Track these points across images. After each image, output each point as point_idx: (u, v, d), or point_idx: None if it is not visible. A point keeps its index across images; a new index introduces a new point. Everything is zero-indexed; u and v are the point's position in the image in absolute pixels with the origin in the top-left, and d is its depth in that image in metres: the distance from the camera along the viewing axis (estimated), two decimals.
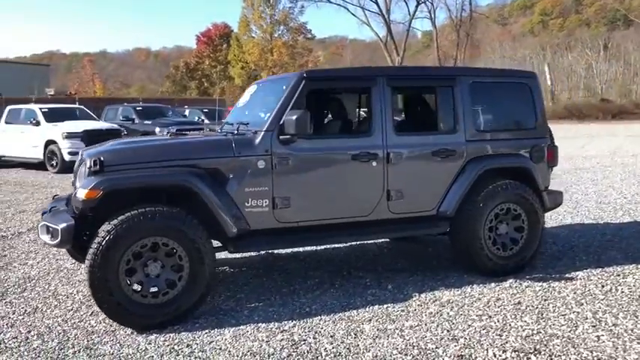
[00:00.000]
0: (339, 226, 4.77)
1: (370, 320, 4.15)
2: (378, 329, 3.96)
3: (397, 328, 3.97)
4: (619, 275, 5.10)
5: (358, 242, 6.07)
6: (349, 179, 4.72)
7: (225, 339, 3.88)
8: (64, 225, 4.08)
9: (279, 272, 5.40)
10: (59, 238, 4.09)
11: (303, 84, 4.62)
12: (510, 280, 5.01)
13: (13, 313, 4.46)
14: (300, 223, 4.63)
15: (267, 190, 4.48)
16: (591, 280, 4.98)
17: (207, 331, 4.02)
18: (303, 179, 4.60)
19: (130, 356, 3.63)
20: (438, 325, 4.00)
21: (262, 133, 4.51)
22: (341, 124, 5.26)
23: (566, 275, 5.12)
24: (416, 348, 3.64)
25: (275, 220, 4.52)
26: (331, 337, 3.85)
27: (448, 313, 4.24)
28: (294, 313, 4.36)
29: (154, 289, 4.07)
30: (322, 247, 6.19)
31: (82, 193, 4.01)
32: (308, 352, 3.63)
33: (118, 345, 3.80)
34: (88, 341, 3.87)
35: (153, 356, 3.63)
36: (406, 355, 3.55)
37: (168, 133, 5.06)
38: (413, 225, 5.01)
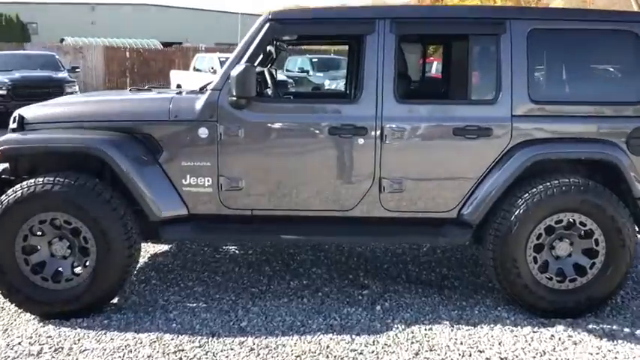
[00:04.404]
0: (309, 221, 3.62)
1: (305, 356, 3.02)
2: None
3: None
4: None
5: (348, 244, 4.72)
6: (323, 160, 3.52)
7: (107, 346, 3.11)
8: None
9: (264, 264, 4.40)
10: None
11: (267, 28, 3.48)
12: (561, 327, 3.38)
13: None
14: (255, 212, 3.59)
15: (211, 166, 3.51)
16: None
17: (101, 331, 3.30)
18: (259, 156, 3.53)
19: None
20: None
21: (208, 92, 3.52)
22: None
23: None
24: None
25: (221, 205, 3.55)
26: None
27: None
28: (227, 324, 3.41)
29: (56, 274, 3.44)
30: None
31: None
32: None
33: None
34: None
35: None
36: None
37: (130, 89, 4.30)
38: (416, 230, 3.60)
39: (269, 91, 4.06)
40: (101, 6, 38.39)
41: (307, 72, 17.94)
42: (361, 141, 3.47)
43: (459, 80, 3.90)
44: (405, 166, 3.50)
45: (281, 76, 16.21)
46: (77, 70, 16.02)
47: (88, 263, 3.42)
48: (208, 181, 3.52)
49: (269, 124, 3.50)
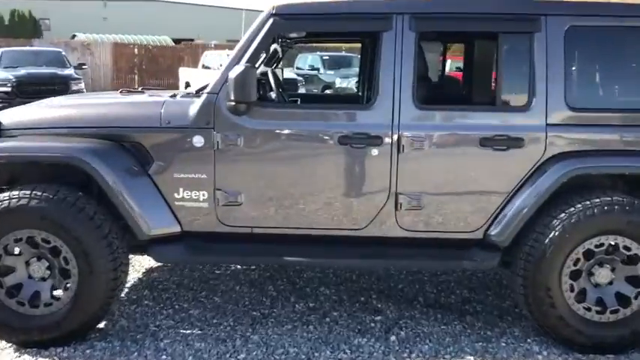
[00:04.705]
0: (315, 241, 3.23)
1: None
2: None
3: None
4: None
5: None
6: (332, 173, 3.13)
7: None
8: None
9: (267, 282, 4.02)
10: None
11: (270, 25, 3.10)
12: None
13: None
14: (256, 230, 3.21)
15: (207, 178, 3.13)
16: None
17: None
18: (260, 168, 3.15)
19: None
20: None
21: (204, 96, 3.14)
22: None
23: None
24: None
25: (218, 222, 3.18)
26: None
27: None
28: (223, 356, 3.04)
29: (34, 297, 3.08)
30: None
31: None
32: None
33: None
34: None
35: None
36: None
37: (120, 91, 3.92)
38: (437, 253, 3.20)
39: (273, 95, 3.68)
40: (113, 2, 38.17)
41: (318, 70, 17.56)
42: (375, 151, 3.07)
43: (484, 83, 3.52)
44: (424, 180, 3.11)
45: (290, 74, 15.86)
46: (84, 66, 15.78)
47: (69, 286, 3.06)
48: (204, 195, 3.15)
49: (272, 132, 3.12)
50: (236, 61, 3.08)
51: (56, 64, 14.31)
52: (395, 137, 3.06)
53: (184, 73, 17.94)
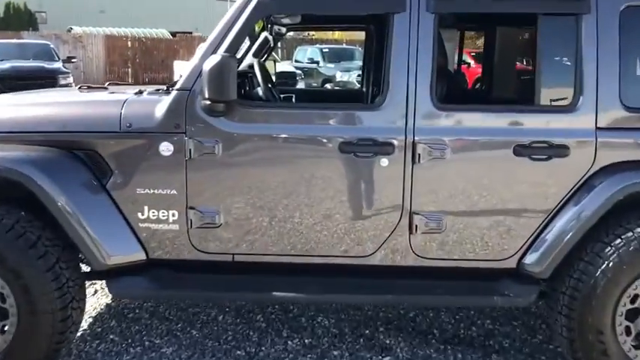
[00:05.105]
0: (311, 271, 2.65)
1: None
2: None
3: None
4: None
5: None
6: (331, 188, 2.55)
7: None
8: None
9: (256, 310, 3.42)
10: None
11: (255, 4, 2.50)
12: None
13: None
14: (239, 258, 2.63)
15: (177, 195, 2.55)
16: None
17: None
18: (242, 181, 2.56)
19: None
20: None
21: (174, 93, 2.56)
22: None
23: None
24: None
25: (192, 248, 2.60)
26: None
27: None
28: None
29: None
30: None
31: None
32: None
33: None
34: None
35: None
36: None
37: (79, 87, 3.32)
38: (461, 286, 2.62)
39: (260, 92, 3.09)
40: None
41: (317, 63, 17.05)
42: (385, 161, 2.49)
43: (512, 77, 2.92)
44: (445, 197, 2.52)
45: (289, 67, 15.26)
46: (73, 60, 15.21)
47: (6, 328, 2.49)
48: (174, 215, 2.56)
49: (257, 138, 2.53)
50: (212, 49, 2.49)
51: (44, 58, 13.76)
52: (409, 144, 2.47)
53: (179, 67, 17.34)
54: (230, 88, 2.34)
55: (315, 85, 15.59)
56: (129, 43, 21.59)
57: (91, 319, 3.29)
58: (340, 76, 15.80)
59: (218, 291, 2.63)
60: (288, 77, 13.08)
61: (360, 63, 15.94)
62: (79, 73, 18.51)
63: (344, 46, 20.37)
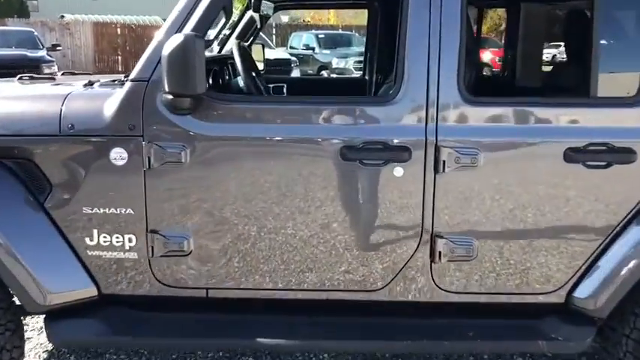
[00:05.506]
0: (304, 308, 2.11)
1: None
2: None
3: None
4: None
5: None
6: (331, 205, 2.00)
7: None
8: None
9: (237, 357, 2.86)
10: None
11: None
12: None
13: None
14: (213, 293, 2.08)
15: (135, 214, 2.00)
16: None
17: None
18: (217, 197, 2.01)
19: None
20: None
21: (127, 85, 2.00)
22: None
23: None
24: None
25: (155, 281, 2.05)
26: None
27: None
28: None
29: None
30: None
31: None
32: None
33: None
34: None
35: None
36: None
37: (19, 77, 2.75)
38: (496, 326, 2.08)
39: (240, 83, 2.52)
40: None
41: (313, 49, 16.56)
42: (399, 171, 1.94)
43: (569, 64, 2.37)
44: (476, 216, 1.98)
45: (284, 54, 14.68)
46: (59, 48, 14.58)
47: None
48: (130, 240, 2.02)
49: (234, 141, 1.98)
50: (174, 29, 1.93)
51: (27, 45, 13.14)
52: (430, 147, 1.92)
53: None
54: (197, 77, 1.78)
55: (310, 72, 15.05)
56: (118, 30, 20.91)
57: (45, 355, 2.76)
58: (337, 63, 15.34)
59: (188, 336, 2.07)
60: (282, 64, 12.53)
61: (357, 49, 15.57)
62: (67, 61, 17.88)
63: (340, 31, 19.78)
